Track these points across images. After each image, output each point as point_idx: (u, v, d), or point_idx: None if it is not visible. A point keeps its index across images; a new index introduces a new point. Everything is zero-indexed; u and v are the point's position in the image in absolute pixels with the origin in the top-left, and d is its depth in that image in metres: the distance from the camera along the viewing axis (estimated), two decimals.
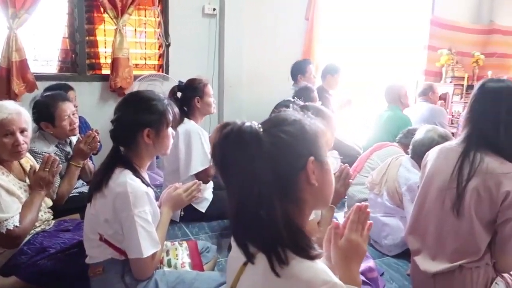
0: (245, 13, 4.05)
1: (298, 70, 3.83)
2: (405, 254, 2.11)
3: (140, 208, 1.36)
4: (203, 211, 2.68)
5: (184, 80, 2.69)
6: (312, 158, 0.87)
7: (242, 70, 4.14)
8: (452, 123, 4.90)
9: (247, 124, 0.87)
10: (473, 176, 1.53)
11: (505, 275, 1.58)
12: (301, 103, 1.94)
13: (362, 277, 1.69)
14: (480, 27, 5.51)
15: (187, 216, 2.67)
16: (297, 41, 4.38)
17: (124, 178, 1.38)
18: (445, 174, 1.62)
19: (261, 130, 0.86)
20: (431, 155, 1.77)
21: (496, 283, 1.54)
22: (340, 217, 2.88)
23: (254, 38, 4.17)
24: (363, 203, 0.99)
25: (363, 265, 1.75)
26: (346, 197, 2.86)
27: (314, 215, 1.54)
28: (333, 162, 1.23)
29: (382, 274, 2.04)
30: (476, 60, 5.20)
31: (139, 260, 1.36)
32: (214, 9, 3.99)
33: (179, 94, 2.61)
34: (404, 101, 3.58)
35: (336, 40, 4.79)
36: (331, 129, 1.74)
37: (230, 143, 0.85)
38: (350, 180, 1.70)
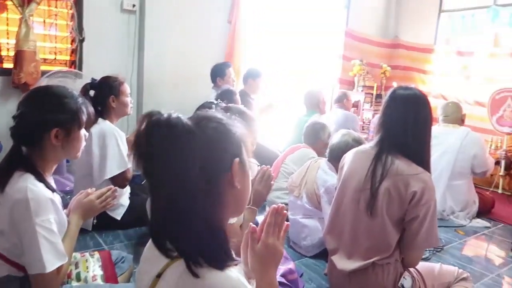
0: (167, 12, 3.93)
1: (217, 73, 3.81)
2: (323, 254, 2.18)
3: (42, 216, 1.21)
4: (119, 218, 2.51)
5: (98, 78, 2.50)
6: (237, 159, 0.85)
7: (164, 70, 4.01)
8: (363, 129, 5.24)
9: (175, 115, 0.82)
10: (385, 178, 1.63)
11: (411, 269, 1.70)
12: (224, 105, 1.92)
13: (283, 279, 1.71)
14: (387, 41, 6.00)
15: (100, 224, 2.48)
16: (220, 44, 4.36)
17: (24, 183, 1.22)
18: (360, 176, 1.70)
19: (196, 129, 0.81)
20: (347, 158, 1.85)
21: (404, 277, 1.66)
22: (261, 220, 2.90)
23: (177, 38, 4.06)
24: (279, 204, 0.98)
25: (284, 268, 1.77)
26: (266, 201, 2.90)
27: (236, 218, 1.52)
28: (252, 167, 1.22)
29: (301, 275, 2.08)
30: (384, 72, 5.63)
31: (41, 276, 1.21)
32: (133, 5, 3.80)
33: (92, 93, 2.42)
34: (322, 107, 3.75)
35: (259, 44, 4.87)
36: (254, 132, 1.74)
37: (159, 133, 0.79)
38: (272, 182, 1.70)
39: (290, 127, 3.74)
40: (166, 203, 0.80)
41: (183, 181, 0.78)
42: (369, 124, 5.20)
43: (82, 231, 2.42)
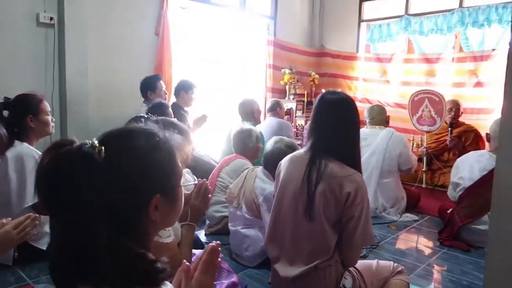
0: (88, 25, 3.73)
1: (147, 86, 3.68)
2: (266, 263, 2.16)
3: None
4: (44, 248, 2.30)
5: (13, 96, 2.29)
6: (158, 196, 0.80)
7: (89, 86, 3.78)
8: (297, 136, 5.38)
9: (87, 145, 0.74)
10: (320, 181, 1.66)
11: (351, 268, 1.74)
12: (155, 119, 1.84)
13: None
14: (313, 50, 6.25)
15: (23, 257, 2.24)
16: (149, 56, 4.24)
17: None
18: (297, 181, 1.72)
19: (103, 154, 0.73)
20: (283, 164, 1.86)
21: (345, 277, 1.69)
22: (201, 235, 2.83)
23: (100, 51, 3.87)
24: (216, 242, 0.94)
25: (227, 281, 1.73)
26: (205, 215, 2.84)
27: (173, 236, 1.45)
28: (189, 179, 1.17)
29: (245, 287, 2.05)
30: (312, 79, 5.86)
31: None
32: (51, 18, 3.56)
33: (6, 113, 2.20)
34: (256, 116, 3.78)
35: (189, 56, 4.81)
36: (188, 144, 1.68)
37: (61, 168, 0.72)
38: (209, 195, 1.66)
39: (224, 138, 3.71)
40: (68, 244, 0.72)
41: (87, 222, 0.71)
42: (302, 131, 5.35)
43: (1, 266, 2.18)
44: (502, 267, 1.35)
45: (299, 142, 4.99)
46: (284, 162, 1.86)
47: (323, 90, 5.42)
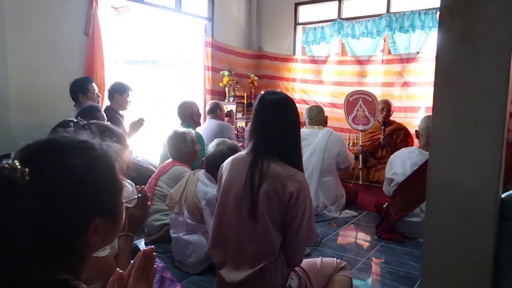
0: (7, 25, 3.41)
1: (78, 89, 3.44)
2: (211, 269, 2.11)
3: None
4: None
5: None
6: (97, 219, 0.72)
7: (8, 92, 3.45)
8: (238, 137, 5.37)
9: (7, 167, 0.62)
10: (263, 182, 1.64)
11: (296, 268, 1.74)
12: (86, 123, 1.71)
13: None
14: (252, 52, 6.29)
15: None
16: (78, 57, 3.98)
17: None
18: (239, 184, 1.69)
19: (28, 177, 0.62)
20: (225, 167, 1.82)
21: (291, 278, 1.68)
22: (141, 244, 2.69)
23: (22, 54, 3.55)
24: (149, 246, 0.88)
25: None
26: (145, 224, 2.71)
27: (109, 249, 1.34)
28: (129, 190, 1.09)
29: None
30: (251, 81, 5.89)
31: None
32: None
33: None
34: (196, 119, 3.69)
35: (123, 57, 4.60)
36: (127, 151, 1.58)
37: None
38: (149, 203, 1.57)
39: (162, 142, 3.58)
40: None
41: (17, 252, 0.62)
42: (243, 132, 5.35)
43: None
44: (437, 256, 1.41)
45: (240, 144, 4.98)
46: (226, 164, 1.82)
47: (262, 92, 5.44)
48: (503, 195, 1.30)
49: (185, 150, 2.79)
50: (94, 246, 0.74)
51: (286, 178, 1.63)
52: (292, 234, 1.65)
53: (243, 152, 1.81)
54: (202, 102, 5.50)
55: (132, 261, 0.88)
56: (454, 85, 1.33)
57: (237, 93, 5.70)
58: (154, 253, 0.87)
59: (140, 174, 3.57)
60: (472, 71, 1.28)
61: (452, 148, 1.33)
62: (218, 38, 5.68)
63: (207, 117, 4.50)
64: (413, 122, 4.94)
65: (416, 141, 4.34)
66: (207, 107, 4.55)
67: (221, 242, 1.76)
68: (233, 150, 2.21)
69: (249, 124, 4.42)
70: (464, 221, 1.34)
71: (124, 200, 0.83)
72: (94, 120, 1.65)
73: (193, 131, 2.98)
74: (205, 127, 4.30)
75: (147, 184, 2.80)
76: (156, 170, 2.86)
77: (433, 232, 1.44)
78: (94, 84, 3.59)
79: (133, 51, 4.80)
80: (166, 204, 2.44)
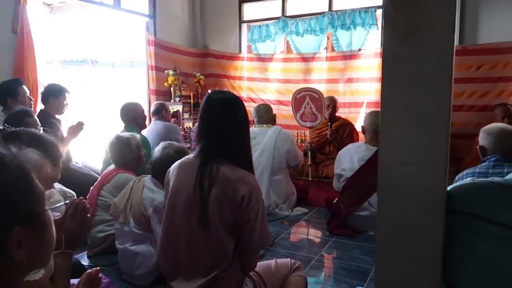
0: None
1: (6, 93, 3.14)
2: (161, 281, 2.00)
3: None
4: None
5: None
6: (17, 228, 0.63)
7: None
8: (185, 139, 5.23)
9: None
10: (213, 186, 1.57)
11: (251, 273, 1.69)
12: (12, 130, 1.54)
13: None
14: (197, 50, 6.16)
15: None
16: (5, 57, 3.64)
17: None
18: (188, 189, 1.60)
19: None
20: (172, 172, 1.73)
21: (245, 284, 1.63)
22: (84, 258, 2.51)
23: None
24: (95, 268, 0.78)
25: None
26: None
27: (44, 270, 1.21)
28: (58, 200, 0.97)
29: None
30: (198, 80, 5.76)
31: None
32: None
33: None
34: (140, 122, 3.52)
35: (59, 57, 4.29)
36: (54, 159, 1.44)
37: None
38: (88, 215, 1.44)
39: (105, 147, 3.37)
40: None
41: None
42: (190, 133, 5.22)
43: None
44: (389, 250, 1.41)
45: (188, 145, 4.85)
46: (173, 169, 1.72)
47: (209, 91, 5.36)
48: (448, 188, 1.32)
49: (129, 156, 2.63)
50: (21, 264, 0.64)
51: (237, 181, 1.57)
52: (245, 239, 1.59)
53: (190, 156, 1.72)
54: (146, 103, 5.29)
55: (74, 284, 0.78)
56: (400, 81, 1.33)
57: (183, 93, 5.55)
58: (99, 275, 0.78)
59: (81, 182, 3.34)
60: (417, 67, 1.29)
61: (400, 143, 1.33)
62: (161, 36, 5.49)
63: (152, 118, 4.33)
64: (358, 117, 5.09)
65: (361, 135, 4.48)
66: (152, 108, 4.37)
67: (171, 251, 1.66)
68: (181, 153, 2.11)
69: (196, 124, 4.32)
70: (414, 215, 1.35)
71: (47, 207, 0.73)
72: (22, 128, 1.49)
73: (137, 136, 2.81)
74: (151, 129, 4.13)
75: (88, 194, 2.61)
76: (98, 180, 2.65)
77: (384, 227, 1.44)
78: (24, 87, 3.30)
79: (70, 51, 4.49)
80: (110, 214, 2.28)
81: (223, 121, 1.64)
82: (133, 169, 2.66)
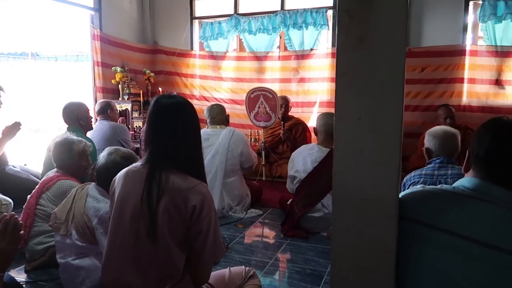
0: None
1: None
2: None
3: None
4: None
5: None
6: None
7: None
8: (135, 139, 5.03)
9: None
10: (162, 197, 1.48)
11: (204, 286, 1.62)
12: None
13: None
14: (146, 47, 5.93)
15: None
16: None
17: None
18: (135, 200, 1.51)
19: None
20: (118, 181, 1.61)
21: None
22: (21, 274, 2.31)
23: None
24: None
25: None
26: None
27: None
28: None
29: None
30: (147, 78, 5.55)
31: None
32: None
33: None
34: (84, 123, 3.31)
35: None
36: None
37: None
38: (21, 232, 1.31)
39: (46, 150, 3.13)
40: None
41: None
42: (140, 133, 5.02)
43: None
44: (345, 259, 1.41)
45: (137, 145, 4.66)
46: (119, 178, 1.61)
47: (160, 89, 5.22)
48: (400, 195, 1.33)
49: (68, 162, 2.44)
50: None
51: (188, 190, 1.49)
52: (197, 251, 1.52)
53: (137, 164, 1.61)
54: (92, 101, 5.03)
55: None
56: (354, 89, 1.32)
57: (132, 91, 5.33)
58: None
59: (19, 188, 3.11)
60: (369, 76, 1.28)
61: (354, 153, 1.33)
62: (107, 31, 5.22)
63: (98, 118, 4.11)
64: (310, 116, 5.15)
65: (314, 135, 4.53)
66: (97, 107, 4.14)
67: (117, 266, 1.55)
68: (128, 159, 1.99)
69: (145, 126, 4.17)
70: (367, 223, 1.35)
71: None
72: None
73: (89, 144, 2.59)
74: (96, 129, 3.91)
75: (25, 204, 2.40)
76: (37, 187, 2.44)
77: (339, 235, 1.43)
78: None
79: (7, 42, 4.14)
80: (50, 226, 2.11)
81: (172, 126, 1.56)
82: (77, 175, 2.48)
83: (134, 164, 1.65)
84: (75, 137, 2.56)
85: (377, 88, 1.26)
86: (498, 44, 4.48)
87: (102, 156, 2.06)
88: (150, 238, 1.48)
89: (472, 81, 4.64)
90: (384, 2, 1.21)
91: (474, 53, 4.58)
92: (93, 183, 2.12)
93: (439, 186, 1.31)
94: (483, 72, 4.57)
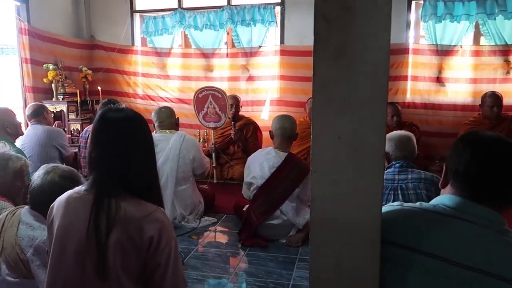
0: None
1: None
2: None
3: None
4: None
5: None
6: None
7: None
8: (73, 143, 4.62)
9: None
10: (113, 228, 1.28)
11: None
12: None
13: None
14: (83, 42, 5.47)
15: None
16: None
17: None
18: (80, 233, 1.29)
19: None
20: (57, 209, 1.38)
21: None
22: None
23: None
24: None
25: None
26: None
27: None
28: None
29: None
30: (84, 75, 5.12)
31: None
32: None
33: None
34: (12, 131, 2.93)
35: None
36: None
37: None
38: None
39: None
40: None
41: None
42: (78, 136, 4.61)
43: None
44: (324, 281, 1.32)
45: (75, 149, 4.26)
46: (58, 206, 1.38)
47: (99, 88, 4.81)
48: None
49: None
50: None
51: (143, 219, 1.30)
52: (154, 286, 1.34)
53: (81, 188, 1.39)
54: (22, 102, 4.54)
55: None
56: (332, 106, 1.20)
57: (68, 90, 4.89)
58: None
59: None
60: (350, 91, 1.17)
61: (333, 176, 1.22)
62: (37, 24, 4.71)
63: (30, 122, 3.69)
64: (260, 115, 5.05)
65: (265, 134, 4.43)
66: (28, 111, 3.72)
67: None
68: (68, 179, 1.73)
69: (87, 128, 3.82)
70: (349, 252, 1.25)
71: None
72: None
73: (27, 164, 2.21)
74: (28, 135, 3.52)
75: None
76: None
77: (317, 266, 1.32)
78: None
79: None
80: None
81: (122, 145, 1.35)
82: (8, 195, 2.14)
83: (76, 189, 1.41)
84: (13, 154, 2.21)
85: (358, 105, 1.16)
86: (439, 43, 4.66)
87: (37, 176, 1.78)
88: (99, 275, 1.27)
89: (415, 78, 4.79)
90: (367, 8, 1.10)
91: (416, 51, 4.73)
92: (26, 206, 1.83)
93: (418, 204, 1.25)
94: (425, 70, 4.74)
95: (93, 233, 1.27)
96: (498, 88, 4.38)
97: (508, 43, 4.48)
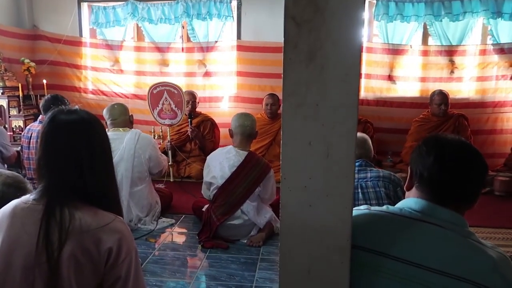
0: None
1: None
2: None
3: None
4: None
5: None
6: None
7: None
8: (15, 141, 4.30)
9: None
10: (66, 241, 1.17)
11: None
12: None
13: None
14: (24, 31, 5.10)
15: None
16: None
17: None
18: (29, 248, 1.17)
19: None
20: (1, 221, 1.24)
21: None
22: None
23: None
24: None
25: None
26: None
27: None
28: None
29: None
30: (27, 68, 4.77)
31: None
32: None
33: None
34: None
35: None
36: None
37: None
38: None
39: None
40: None
41: None
42: (20, 134, 4.28)
43: None
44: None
45: (17, 148, 3.94)
46: (2, 217, 1.24)
47: (44, 81, 4.51)
48: None
49: None
50: None
51: (100, 230, 1.20)
52: None
53: (29, 198, 1.26)
54: None
55: None
56: (303, 111, 1.17)
57: (8, 84, 4.54)
58: None
59: None
60: (320, 96, 1.15)
61: (304, 182, 1.20)
62: None
63: None
64: (218, 111, 4.97)
65: (223, 131, 4.37)
66: None
67: None
68: (12, 187, 1.57)
69: (32, 126, 3.55)
70: (319, 259, 1.23)
71: None
72: None
73: None
74: None
75: None
76: None
77: (288, 273, 1.30)
78: None
79: None
80: None
81: (76, 149, 1.24)
82: None
83: (23, 198, 1.28)
84: None
85: (329, 110, 1.14)
86: (390, 42, 4.82)
87: None
88: None
89: (368, 76, 4.93)
90: (338, 11, 1.07)
91: (370, 50, 4.86)
92: None
93: (384, 207, 1.25)
94: (377, 68, 4.89)
95: (43, 247, 1.16)
96: (443, 86, 4.61)
97: (453, 44, 4.72)
